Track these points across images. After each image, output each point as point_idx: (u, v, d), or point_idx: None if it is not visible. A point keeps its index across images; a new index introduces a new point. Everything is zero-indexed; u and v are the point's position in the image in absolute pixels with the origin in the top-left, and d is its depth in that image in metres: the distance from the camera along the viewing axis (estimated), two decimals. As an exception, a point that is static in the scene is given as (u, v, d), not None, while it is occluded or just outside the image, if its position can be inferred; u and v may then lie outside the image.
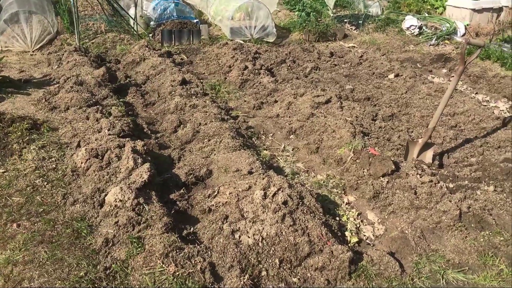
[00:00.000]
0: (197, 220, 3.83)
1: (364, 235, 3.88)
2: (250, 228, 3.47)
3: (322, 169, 4.85)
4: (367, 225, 4.01)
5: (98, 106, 5.48)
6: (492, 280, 3.38)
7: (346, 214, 4.11)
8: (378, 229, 3.96)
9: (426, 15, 11.09)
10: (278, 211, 3.56)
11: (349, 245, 3.68)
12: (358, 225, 3.98)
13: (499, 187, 4.49)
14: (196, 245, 3.40)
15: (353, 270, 3.32)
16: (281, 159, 5.05)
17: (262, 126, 5.76)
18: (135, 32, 9.09)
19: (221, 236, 3.45)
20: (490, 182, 4.54)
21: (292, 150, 5.26)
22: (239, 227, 3.49)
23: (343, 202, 4.31)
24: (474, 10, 10.17)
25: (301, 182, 4.55)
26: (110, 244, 3.39)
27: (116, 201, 3.71)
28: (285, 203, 3.66)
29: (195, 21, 9.77)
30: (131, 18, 9.23)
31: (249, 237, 3.42)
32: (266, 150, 5.23)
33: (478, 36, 9.98)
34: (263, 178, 3.96)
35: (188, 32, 9.16)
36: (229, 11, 9.68)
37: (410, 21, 9.96)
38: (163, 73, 6.86)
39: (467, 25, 10.14)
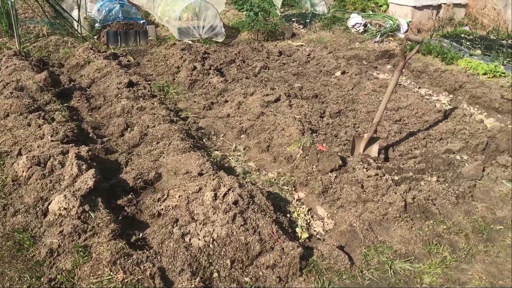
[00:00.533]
0: (146, 225, 3.76)
1: (315, 230, 3.94)
2: (200, 230, 3.44)
3: (273, 167, 4.88)
4: (317, 220, 4.07)
5: (40, 112, 5.27)
6: (436, 268, 3.51)
7: (297, 210, 4.15)
8: (327, 224, 4.02)
9: (371, 13, 11.40)
10: (228, 212, 3.55)
11: (300, 241, 3.72)
12: (308, 221, 4.03)
13: (441, 177, 4.67)
14: (146, 250, 3.33)
15: (304, 265, 3.36)
16: (232, 159, 5.04)
17: (213, 127, 5.73)
18: (79, 35, 8.81)
19: (171, 240, 3.40)
20: (433, 173, 4.72)
21: (244, 150, 5.26)
22: (189, 230, 3.46)
23: (294, 198, 4.35)
24: (415, 7, 10.55)
25: (252, 181, 4.57)
26: (55, 254, 3.27)
27: (60, 210, 3.58)
28: (235, 203, 3.65)
29: (141, 22, 9.59)
30: (75, 20, 8.94)
31: (199, 239, 3.39)
32: (217, 150, 5.20)
33: (420, 32, 10.36)
34: (213, 179, 3.94)
35: (134, 33, 8.98)
36: (176, 12, 9.57)
37: (355, 19, 10.20)
38: (109, 75, 6.69)
39: (409, 22, 10.51)
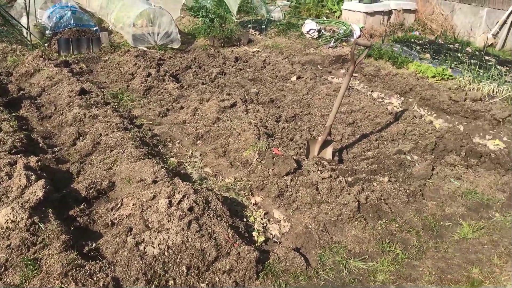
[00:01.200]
0: (100, 235, 3.67)
1: (271, 234, 3.96)
2: (155, 238, 3.39)
3: (230, 172, 4.88)
4: (273, 223, 4.09)
5: (-14, 122, 5.07)
6: (389, 265, 3.61)
7: (254, 214, 4.17)
8: (284, 227, 4.06)
9: (325, 19, 11.63)
10: (183, 218, 3.52)
11: (256, 244, 3.74)
12: (265, 224, 4.06)
13: (393, 177, 4.81)
14: (98, 261, 3.25)
15: (260, 269, 3.37)
16: (188, 165, 5.01)
17: (169, 133, 5.67)
18: (28, 42, 8.55)
19: (125, 249, 3.34)
20: (385, 173, 4.86)
21: (200, 156, 5.24)
22: (143, 238, 3.41)
23: (251, 203, 4.37)
24: (367, 13, 10.84)
25: (209, 187, 4.55)
26: (2, 269, 3.14)
27: (7, 223, 3.44)
28: (190, 209, 3.63)
29: (94, 28, 9.41)
30: (24, 27, 8.66)
31: (154, 247, 3.34)
32: (173, 157, 5.16)
33: (372, 37, 10.65)
34: (168, 186, 3.90)
35: (87, 40, 8.79)
36: (131, 18, 9.44)
37: (309, 25, 10.38)
38: (60, 83, 6.52)
39: (362, 27, 10.79)
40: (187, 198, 3.72)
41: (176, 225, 3.47)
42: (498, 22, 10.00)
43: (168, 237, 3.39)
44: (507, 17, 9.82)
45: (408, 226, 4.10)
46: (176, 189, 3.83)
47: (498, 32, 10.09)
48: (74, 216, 3.84)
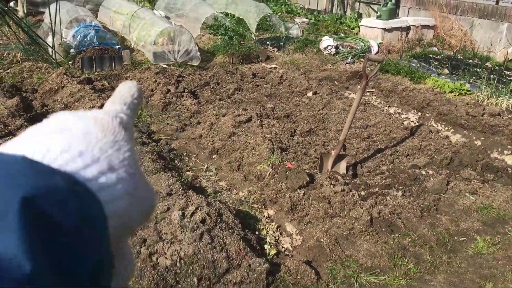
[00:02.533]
0: (115, 246, 3.77)
1: (283, 247, 4.00)
2: (168, 249, 3.47)
3: (244, 186, 4.95)
4: (285, 236, 4.13)
5: (10, 137, 5.27)
6: (401, 279, 3.60)
7: (266, 227, 4.21)
8: (296, 240, 4.09)
9: (343, 35, 11.71)
10: (196, 230, 3.60)
11: (267, 257, 3.78)
12: (277, 238, 4.10)
13: (407, 191, 4.80)
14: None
15: (271, 281, 3.40)
16: (203, 179, 5.10)
17: (185, 148, 5.79)
18: (53, 60, 8.86)
19: (138, 260, 3.43)
20: (399, 187, 4.85)
21: (215, 170, 5.33)
22: (156, 249, 3.49)
23: (264, 216, 4.42)
24: (385, 29, 10.88)
25: (222, 200, 4.63)
26: None
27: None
28: (203, 221, 3.70)
29: (117, 47, 9.69)
30: (49, 46, 8.99)
31: (166, 258, 3.42)
32: (189, 171, 5.26)
33: (390, 53, 10.67)
34: (182, 199, 3.99)
35: (109, 58, 9.06)
36: (152, 36, 9.70)
37: (327, 42, 10.47)
38: (82, 100, 6.74)
39: (380, 43, 10.82)
40: (200, 210, 3.80)
41: (188, 236, 3.54)
42: (518, 37, 9.91)
43: (181, 248, 3.46)
44: (528, 32, 9.73)
45: (421, 240, 4.08)
46: (190, 201, 3.92)
47: (518, 47, 9.99)
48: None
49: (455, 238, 4.18)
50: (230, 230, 3.73)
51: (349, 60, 9.85)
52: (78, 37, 9.63)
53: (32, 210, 0.37)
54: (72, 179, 0.42)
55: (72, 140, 0.46)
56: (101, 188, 0.45)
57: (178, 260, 3.40)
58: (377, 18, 11.08)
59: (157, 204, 4.05)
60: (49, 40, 9.39)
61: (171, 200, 4.08)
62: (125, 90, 0.62)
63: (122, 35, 11.54)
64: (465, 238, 4.17)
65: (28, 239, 0.35)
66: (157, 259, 3.43)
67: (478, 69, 9.13)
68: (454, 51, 10.79)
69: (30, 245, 0.35)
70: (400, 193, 4.68)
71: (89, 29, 9.77)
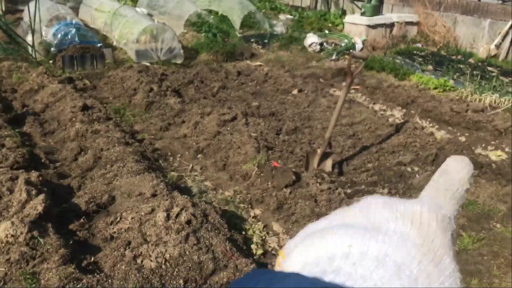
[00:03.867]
0: (99, 249, 3.70)
1: (270, 246, 3.96)
2: (152, 252, 3.41)
3: (230, 186, 4.90)
4: (272, 236, 4.09)
5: (-11, 139, 5.14)
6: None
7: (252, 227, 4.17)
8: (283, 239, 4.06)
9: (327, 32, 11.71)
10: (181, 231, 3.54)
11: (254, 257, 3.74)
12: (264, 237, 4.05)
13: (393, 189, 4.80)
14: (96, 274, 3.27)
15: (258, 282, 3.36)
16: (189, 179, 5.03)
17: (170, 148, 5.71)
18: (33, 60, 8.68)
19: (123, 262, 3.36)
20: (385, 185, 4.85)
21: (200, 169, 5.26)
22: (141, 252, 3.42)
23: (250, 216, 4.37)
24: (369, 26, 10.90)
25: (208, 200, 4.57)
26: (2, 283, 3.17)
27: (7, 237, 3.47)
28: (188, 222, 3.64)
29: (98, 45, 9.53)
30: (29, 45, 8.81)
31: (151, 260, 3.35)
32: (174, 171, 5.19)
33: (374, 49, 10.69)
34: (166, 200, 3.92)
35: (91, 56, 8.91)
36: (134, 34, 9.57)
37: (311, 39, 10.45)
38: (63, 99, 6.60)
39: (364, 40, 10.84)
40: (185, 211, 3.73)
41: (173, 238, 3.48)
42: (500, 33, 10.01)
43: (166, 250, 3.40)
44: (510, 28, 9.83)
45: (408, 237, 4.08)
46: (174, 202, 3.85)
47: (501, 43, 10.09)
48: (74, 230, 3.87)
49: (441, 234, 4.18)
50: (216, 231, 3.68)
51: (333, 57, 9.85)
52: (59, 35, 9.45)
53: None
54: None
55: (387, 247, 0.37)
56: None
57: (163, 262, 3.34)
58: (361, 15, 11.09)
59: (142, 206, 3.98)
60: (29, 38, 9.19)
61: (155, 201, 4.01)
62: (461, 171, 0.48)
63: (104, 33, 11.37)
64: (451, 235, 4.18)
65: None
66: (142, 261, 3.36)
67: (461, 65, 9.20)
68: (438, 47, 10.87)
69: None
70: (386, 190, 4.67)
71: (70, 27, 9.59)
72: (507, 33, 9.93)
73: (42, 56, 8.98)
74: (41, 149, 5.37)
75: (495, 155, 5.84)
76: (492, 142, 6.11)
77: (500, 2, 10.21)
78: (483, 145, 6.07)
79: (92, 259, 3.52)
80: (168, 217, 3.69)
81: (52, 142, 5.66)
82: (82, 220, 3.98)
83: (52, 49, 9.37)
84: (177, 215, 3.69)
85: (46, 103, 6.67)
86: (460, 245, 3.99)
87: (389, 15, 11.49)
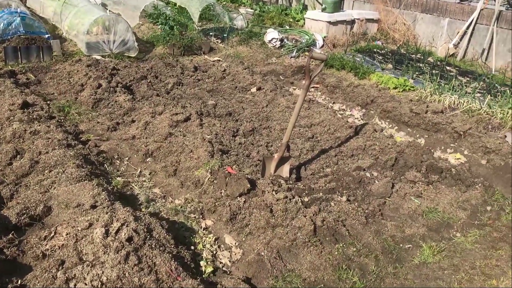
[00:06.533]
0: (29, 269, 3.30)
1: (221, 262, 3.67)
2: (87, 274, 3.05)
3: (181, 193, 4.57)
4: (224, 250, 3.80)
5: None
6: (346, 295, 3.37)
7: (203, 241, 3.87)
8: (235, 254, 3.78)
9: (288, 28, 11.46)
10: (121, 250, 3.19)
11: (204, 275, 3.44)
12: (214, 252, 3.76)
13: (352, 196, 4.60)
14: (22, 302, 2.90)
15: (205, 305, 3.07)
16: (136, 185, 4.67)
17: (117, 150, 5.31)
18: (-29, 50, 8.01)
19: (54, 286, 2.99)
20: (344, 191, 4.64)
21: (149, 175, 4.90)
22: (74, 274, 3.06)
23: (201, 227, 4.07)
24: (329, 22, 10.72)
25: (156, 210, 4.24)
26: None
27: None
28: (129, 239, 3.30)
29: (46, 36, 8.91)
30: (-35, 34, 8.12)
31: (86, 284, 3.00)
32: (120, 176, 4.80)
33: (335, 47, 10.54)
34: (107, 213, 3.56)
35: (37, 48, 8.30)
36: (85, 25, 8.99)
37: (271, 34, 10.18)
38: (1, 95, 6.06)
39: (325, 37, 10.66)
40: (127, 226, 3.39)
41: (112, 258, 3.13)
42: (459, 32, 10.05)
43: (103, 272, 3.05)
44: (467, 28, 9.88)
45: (367, 250, 3.89)
46: (115, 216, 3.49)
47: (459, 42, 10.14)
48: (0, 247, 3.45)
49: (401, 245, 4.01)
50: (161, 248, 3.35)
51: (294, 53, 9.62)
52: (1, 24, 8.77)
53: None
54: None
55: None
56: None
57: (99, 286, 2.98)
58: (322, 11, 10.90)
59: (80, 219, 3.60)
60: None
61: (95, 214, 3.63)
62: None
63: (54, 23, 10.70)
64: (410, 245, 4.02)
65: None
66: (75, 285, 3.00)
67: (421, 64, 9.16)
68: (398, 45, 10.82)
69: None
70: (344, 198, 4.46)
71: (14, 16, 8.93)
72: (465, 33, 9.98)
73: (-19, 47, 8.29)
74: (-29, 152, 4.86)
75: (454, 158, 5.76)
76: (452, 145, 6.03)
77: (458, 1, 10.24)
78: (442, 147, 5.99)
79: (19, 282, 3.12)
80: (107, 233, 3.33)
81: (-15, 144, 5.15)
82: (10, 235, 3.56)
83: (-6, 39, 8.69)
84: (117, 231, 3.34)
85: (-18, 99, 6.11)
86: (420, 258, 3.83)
87: (349, 12, 11.36)
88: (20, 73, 7.44)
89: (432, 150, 5.69)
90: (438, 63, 9.53)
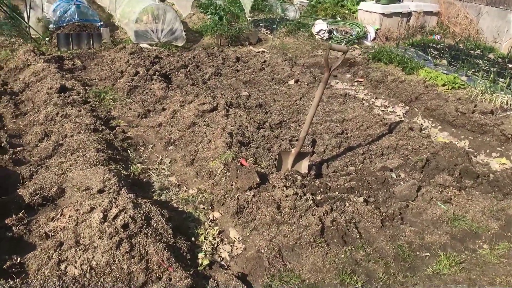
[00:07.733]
0: (33, 248, 3.40)
1: (220, 256, 3.59)
2: (79, 257, 3.08)
3: (195, 183, 4.53)
4: (226, 244, 3.72)
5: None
6: (343, 301, 3.18)
7: (206, 233, 3.80)
8: (237, 248, 3.68)
9: (338, 19, 11.09)
10: (114, 236, 3.20)
11: (199, 268, 3.38)
12: (216, 245, 3.68)
13: (372, 197, 4.33)
14: (16, 279, 2.97)
15: (191, 299, 3.01)
16: (154, 173, 4.69)
17: (143, 137, 5.37)
18: (28, 36, 8.44)
19: (47, 267, 3.05)
20: (364, 192, 4.38)
21: (169, 163, 4.91)
22: (67, 256, 3.10)
23: (208, 219, 4.00)
24: (383, 14, 10.25)
25: (167, 199, 4.24)
26: None
27: None
28: (125, 226, 3.30)
29: (98, 24, 9.24)
30: (23, 21, 8.57)
31: (75, 267, 3.03)
32: (140, 163, 4.85)
33: (388, 40, 10.07)
34: (108, 198, 3.59)
35: (87, 35, 8.62)
36: (135, 13, 9.22)
37: (319, 26, 9.90)
38: (44, 79, 6.33)
39: (377, 29, 10.22)
40: (125, 213, 3.39)
41: (104, 243, 3.14)
42: (526, 27, 9.25)
43: (93, 257, 3.07)
44: (536, 22, 9.06)
45: (377, 255, 3.64)
46: (115, 202, 3.51)
47: (525, 38, 9.33)
48: (10, 225, 3.59)
49: (417, 253, 3.72)
50: (156, 237, 3.32)
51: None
52: (58, 12, 9.20)
53: None
54: None
55: None
56: None
57: (88, 270, 3.01)
58: (376, 2, 10.45)
59: (85, 203, 3.66)
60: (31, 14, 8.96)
61: (100, 198, 3.68)
62: None
63: (109, 12, 11.08)
64: (428, 254, 3.72)
65: None
66: (65, 267, 3.04)
67: (479, 61, 8.52)
68: (456, 40, 10.14)
69: None
70: (362, 198, 4.21)
71: (69, 4, 9.32)
72: (533, 28, 9.16)
73: (38, 33, 8.73)
74: (6, 132, 5.10)
75: (499, 162, 5.29)
76: (498, 149, 5.55)
77: (529, -7, 9.40)
78: (488, 150, 5.52)
79: (19, 260, 3.22)
80: (105, 219, 3.35)
81: (22, 125, 5.40)
82: (21, 214, 3.68)
83: (51, 26, 9.13)
84: (115, 217, 3.35)
85: (27, 82, 6.42)
86: (435, 268, 3.54)
87: (406, 3, 10.80)
88: (68, 59, 7.74)
89: (469, 154, 5.25)
90: (499, 60, 8.82)
